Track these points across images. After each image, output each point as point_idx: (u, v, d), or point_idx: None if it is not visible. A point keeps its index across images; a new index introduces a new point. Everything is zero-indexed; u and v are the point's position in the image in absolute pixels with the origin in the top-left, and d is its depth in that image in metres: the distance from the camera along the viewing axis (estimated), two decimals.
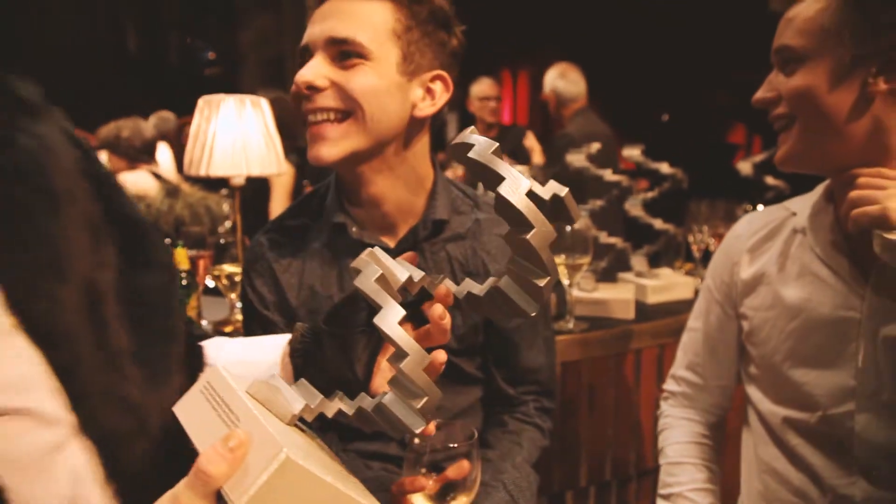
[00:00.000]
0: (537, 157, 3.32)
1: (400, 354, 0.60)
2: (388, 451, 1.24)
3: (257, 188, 3.26)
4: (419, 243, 1.20)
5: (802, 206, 1.16)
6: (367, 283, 0.63)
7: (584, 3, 7.01)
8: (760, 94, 1.08)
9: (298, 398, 0.63)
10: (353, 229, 1.18)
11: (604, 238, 1.99)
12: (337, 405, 0.65)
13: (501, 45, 8.18)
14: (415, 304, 0.76)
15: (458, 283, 0.75)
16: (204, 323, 1.84)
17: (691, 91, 7.37)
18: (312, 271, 1.21)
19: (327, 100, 1.06)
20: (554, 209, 0.61)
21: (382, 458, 1.24)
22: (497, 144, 0.60)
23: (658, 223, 2.10)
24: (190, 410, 0.62)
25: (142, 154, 3.24)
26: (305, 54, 1.10)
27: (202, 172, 1.78)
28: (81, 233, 0.67)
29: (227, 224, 3.73)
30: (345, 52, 1.06)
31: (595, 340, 1.81)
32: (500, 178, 0.59)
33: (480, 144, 0.60)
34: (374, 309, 0.62)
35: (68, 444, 0.61)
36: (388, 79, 1.07)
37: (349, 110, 1.07)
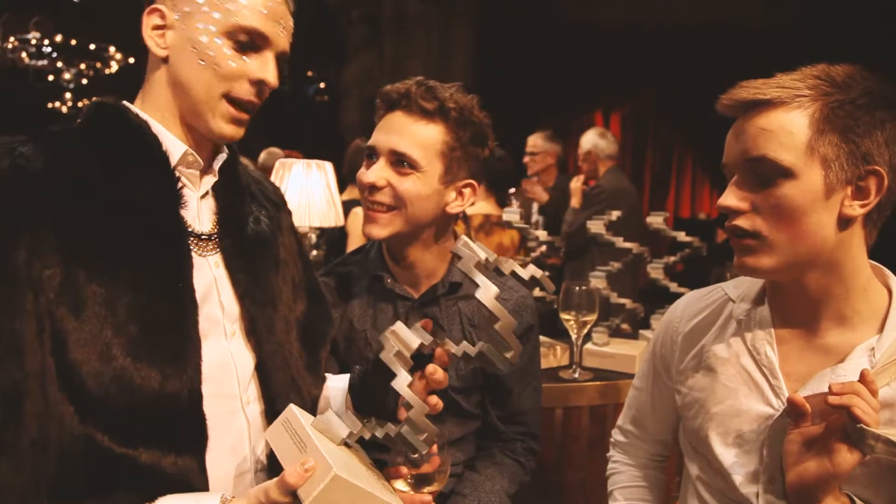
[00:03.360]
0: (575, 201, 3.72)
1: (408, 406, 0.96)
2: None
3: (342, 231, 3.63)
4: (437, 298, 1.51)
5: (740, 294, 1.22)
6: (387, 356, 0.99)
7: (678, 48, 7.09)
8: (733, 202, 1.05)
9: (344, 427, 0.99)
10: (388, 281, 1.52)
11: (614, 298, 2.22)
12: (371, 430, 1.01)
13: (595, 87, 8.36)
14: (428, 356, 1.12)
15: (464, 333, 1.24)
16: None
17: None
18: (353, 309, 1.55)
19: (383, 196, 1.41)
20: (533, 283, 0.99)
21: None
22: (478, 259, 0.95)
23: (674, 286, 2.29)
24: (275, 437, 0.98)
25: None
26: (372, 153, 1.44)
27: None
28: (287, 286, 1.19)
29: (315, 253, 4.22)
30: (400, 161, 1.40)
31: (596, 390, 2.04)
32: (477, 286, 0.94)
33: (465, 257, 0.97)
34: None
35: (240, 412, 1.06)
36: (431, 187, 1.41)
37: (396, 206, 1.41)
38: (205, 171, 1.09)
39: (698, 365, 1.24)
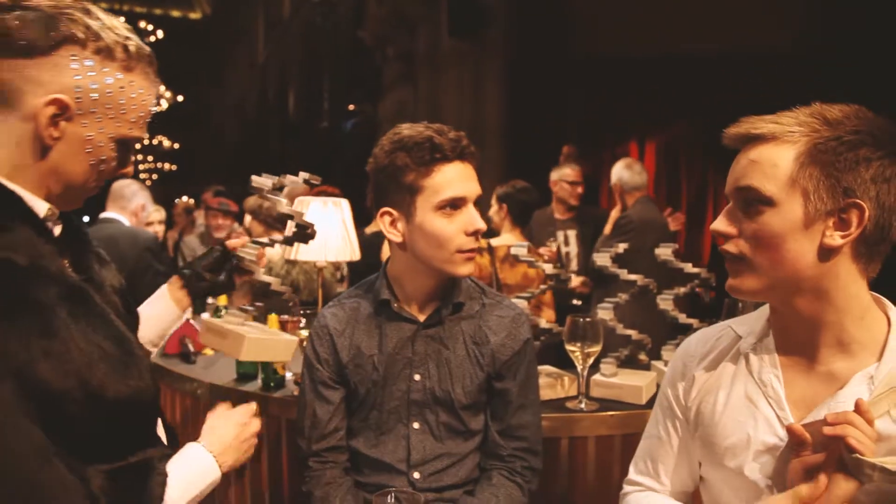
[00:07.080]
0: (608, 229, 3.83)
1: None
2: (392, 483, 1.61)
3: (369, 243, 3.63)
4: (443, 319, 1.62)
5: (747, 329, 1.25)
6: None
7: (710, 78, 7.08)
8: (722, 227, 1.13)
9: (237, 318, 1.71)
10: (395, 305, 1.63)
11: (620, 330, 2.26)
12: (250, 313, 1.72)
13: (628, 118, 8.39)
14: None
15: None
16: (288, 375, 2.30)
17: None
18: (360, 335, 1.66)
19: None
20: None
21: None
22: (283, 191, 1.43)
23: (682, 317, 2.32)
24: (208, 339, 1.69)
25: (276, 223, 3.87)
26: (460, 202, 1.54)
27: (292, 257, 2.29)
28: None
29: (343, 284, 4.35)
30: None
31: (602, 420, 2.07)
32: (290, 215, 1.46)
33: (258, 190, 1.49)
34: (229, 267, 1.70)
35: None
36: None
37: None
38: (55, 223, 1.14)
39: (709, 401, 1.26)
